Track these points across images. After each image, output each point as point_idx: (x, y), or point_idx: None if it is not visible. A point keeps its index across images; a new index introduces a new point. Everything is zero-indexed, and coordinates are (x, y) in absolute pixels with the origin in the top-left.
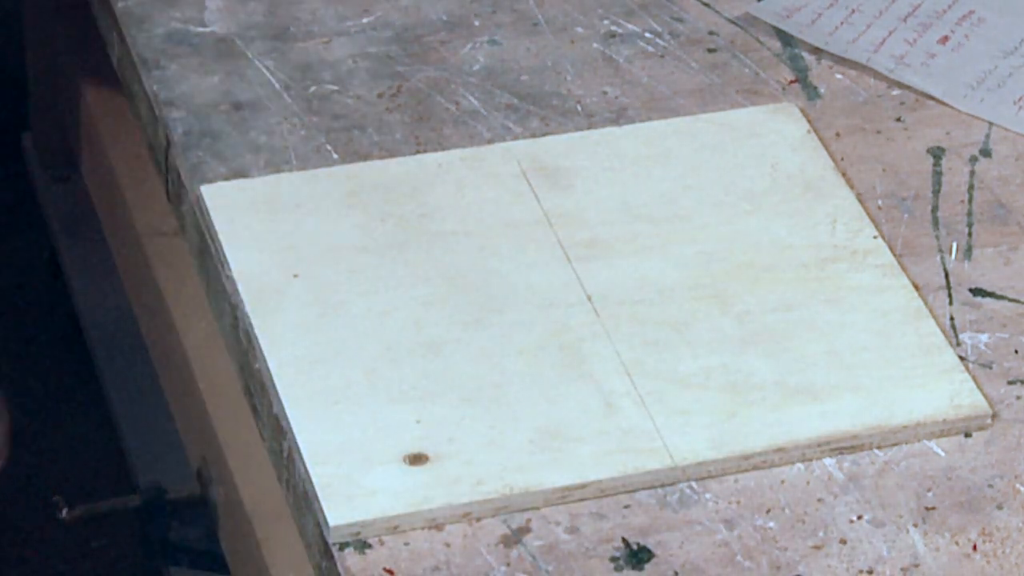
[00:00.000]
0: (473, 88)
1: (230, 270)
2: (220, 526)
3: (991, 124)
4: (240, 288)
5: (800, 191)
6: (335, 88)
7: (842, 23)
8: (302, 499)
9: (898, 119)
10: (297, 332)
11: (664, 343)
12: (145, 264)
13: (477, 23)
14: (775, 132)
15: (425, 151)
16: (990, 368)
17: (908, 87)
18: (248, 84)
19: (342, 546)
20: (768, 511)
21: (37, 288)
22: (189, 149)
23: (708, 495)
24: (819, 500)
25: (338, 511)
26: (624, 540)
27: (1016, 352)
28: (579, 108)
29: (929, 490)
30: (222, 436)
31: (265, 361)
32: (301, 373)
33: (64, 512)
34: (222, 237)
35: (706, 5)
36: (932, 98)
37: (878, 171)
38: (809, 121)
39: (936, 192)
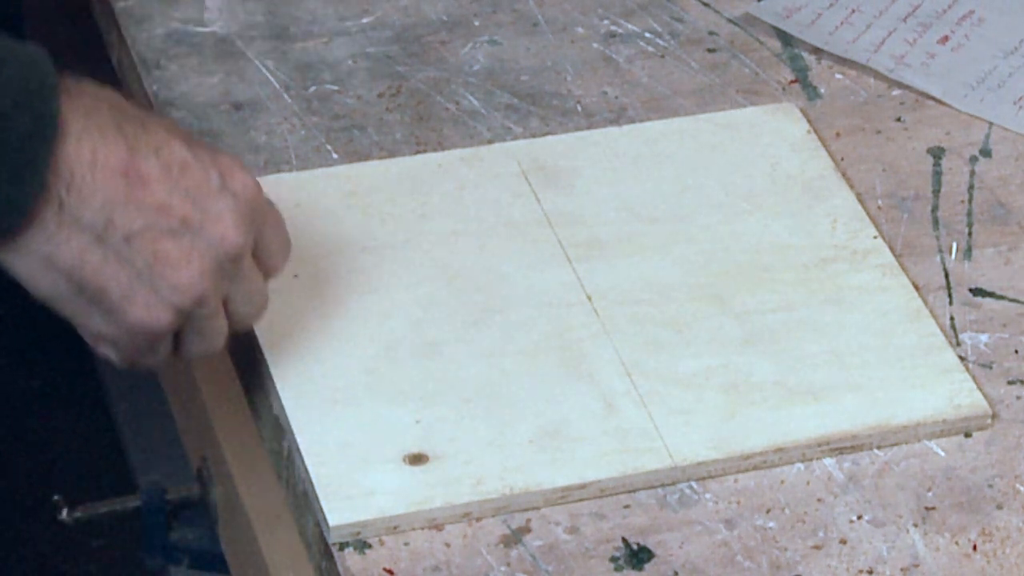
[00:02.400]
0: (473, 88)
1: None
2: (220, 526)
3: (991, 124)
4: None
5: (800, 191)
6: (335, 88)
7: (842, 23)
8: (302, 499)
9: (898, 119)
10: (297, 332)
11: (664, 343)
12: None
13: (477, 23)
14: (775, 132)
15: (425, 151)
16: (990, 368)
17: (908, 87)
18: (248, 84)
19: (342, 546)
20: (768, 511)
21: None
22: None
23: (708, 495)
24: (819, 500)
25: (338, 511)
26: (624, 540)
27: (1016, 352)
28: (579, 108)
29: (929, 490)
30: (222, 436)
31: (265, 361)
32: (301, 373)
33: (64, 512)
34: None
35: (706, 5)
36: (932, 98)
37: (878, 171)
38: (809, 121)
39: (936, 192)
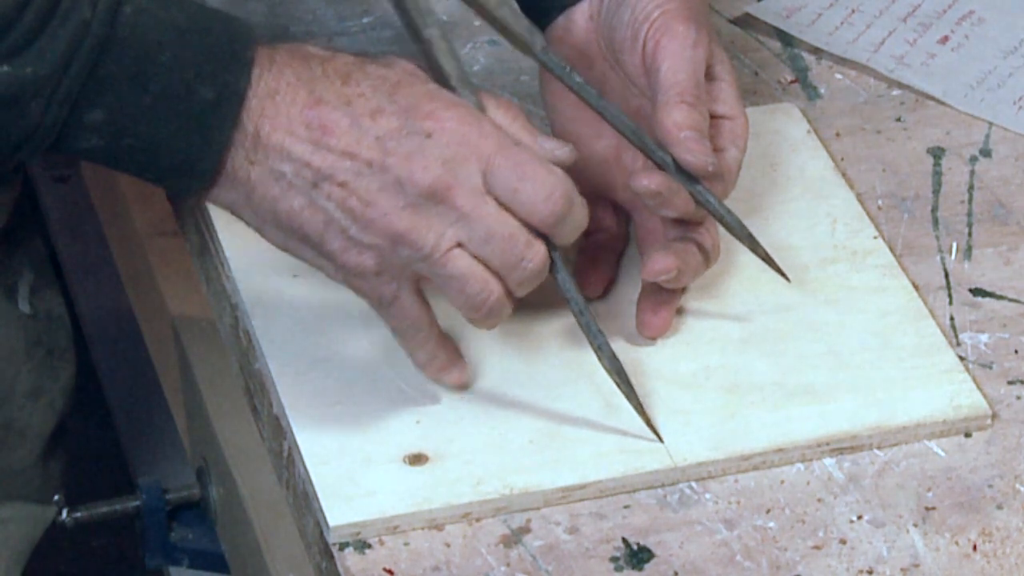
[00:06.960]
0: None
1: (230, 270)
2: (220, 526)
3: (991, 124)
4: (240, 288)
5: (800, 191)
6: None
7: (842, 23)
8: (302, 499)
9: (898, 119)
10: (297, 332)
11: (664, 343)
12: (145, 264)
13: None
14: (775, 132)
15: None
16: (990, 368)
17: (908, 87)
18: None
19: (342, 546)
20: (768, 511)
21: None
22: None
23: (708, 495)
24: (819, 500)
25: (338, 511)
26: (624, 540)
27: (1016, 352)
28: None
29: (929, 490)
30: (222, 436)
31: (265, 361)
32: (301, 373)
33: (64, 512)
34: (222, 237)
35: None
36: (932, 98)
37: (878, 171)
38: (809, 121)
39: (936, 192)
